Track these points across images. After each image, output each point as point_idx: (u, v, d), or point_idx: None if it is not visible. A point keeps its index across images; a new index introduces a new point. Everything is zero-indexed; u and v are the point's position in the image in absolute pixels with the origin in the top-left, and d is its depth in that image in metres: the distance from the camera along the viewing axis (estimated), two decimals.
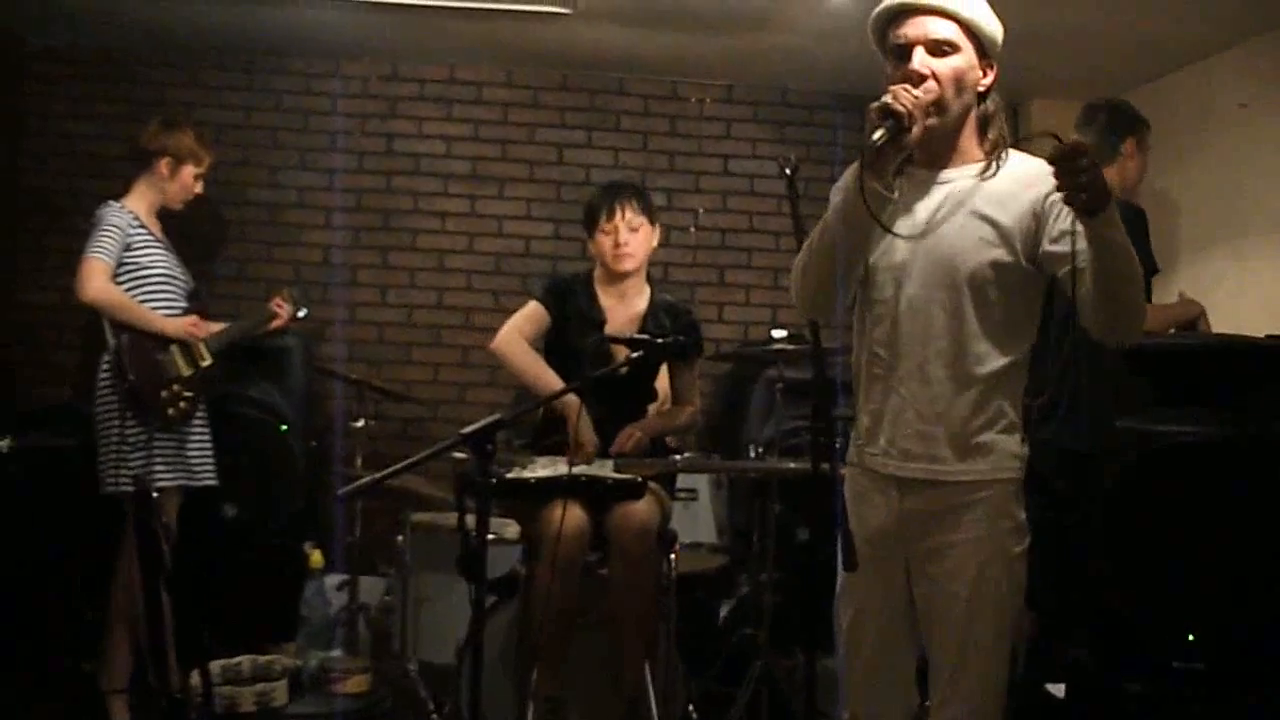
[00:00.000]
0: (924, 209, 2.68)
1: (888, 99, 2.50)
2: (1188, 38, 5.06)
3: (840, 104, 6.03)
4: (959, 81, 2.62)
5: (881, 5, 2.69)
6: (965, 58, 2.63)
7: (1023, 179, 2.64)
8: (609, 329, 4.10)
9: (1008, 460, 2.68)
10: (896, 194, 2.63)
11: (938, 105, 2.59)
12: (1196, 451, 3.32)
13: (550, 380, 4.02)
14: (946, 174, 2.70)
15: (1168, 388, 3.43)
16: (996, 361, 2.66)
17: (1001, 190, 2.64)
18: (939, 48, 2.61)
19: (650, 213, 4.18)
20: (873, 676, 2.79)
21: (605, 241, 4.13)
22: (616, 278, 4.18)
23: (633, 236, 4.12)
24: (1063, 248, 2.52)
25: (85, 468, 4.48)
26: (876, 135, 2.47)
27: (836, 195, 2.73)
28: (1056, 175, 2.29)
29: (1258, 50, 4.96)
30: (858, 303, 2.80)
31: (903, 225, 2.68)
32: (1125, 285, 2.45)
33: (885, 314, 2.70)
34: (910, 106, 2.51)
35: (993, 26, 2.67)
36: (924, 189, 2.70)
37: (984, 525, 2.65)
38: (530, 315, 4.17)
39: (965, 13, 2.63)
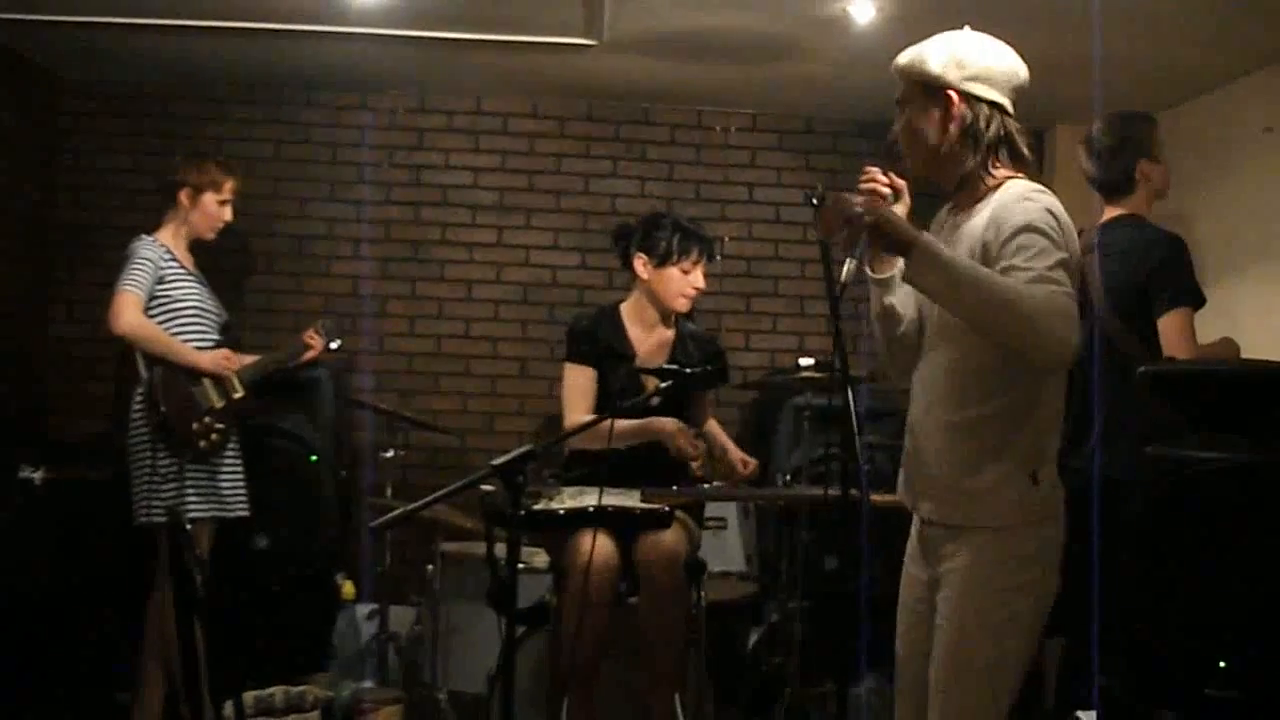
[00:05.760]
0: None
1: (852, 208, 2.57)
2: (1212, 63, 5.06)
3: (865, 131, 6.05)
4: (911, 134, 2.74)
5: None
6: (912, 107, 2.73)
7: (996, 209, 2.64)
8: (639, 361, 4.11)
9: (1003, 505, 2.66)
10: (896, 271, 2.72)
11: (906, 162, 2.76)
12: (1226, 477, 3.30)
13: (629, 424, 3.95)
14: (958, 218, 2.75)
15: (1196, 414, 3.42)
16: (990, 403, 2.65)
17: (981, 224, 2.65)
18: (899, 108, 2.77)
19: None
20: (905, 689, 2.85)
21: (679, 279, 4.11)
22: (652, 310, 4.18)
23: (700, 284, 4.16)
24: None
25: (118, 499, 4.51)
26: (845, 270, 2.66)
27: None
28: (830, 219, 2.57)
29: None
30: None
31: None
32: (981, 318, 2.49)
33: (916, 362, 2.82)
34: (876, 189, 2.69)
35: (923, 62, 2.70)
36: (942, 235, 2.74)
37: (973, 554, 2.66)
38: (579, 386, 4.10)
39: (901, 62, 2.75)
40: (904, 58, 2.74)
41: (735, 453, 4.12)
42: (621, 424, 3.94)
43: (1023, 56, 2.77)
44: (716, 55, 5.29)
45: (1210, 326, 4.04)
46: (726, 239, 6.17)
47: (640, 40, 5.11)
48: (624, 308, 4.23)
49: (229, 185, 4.76)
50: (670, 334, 4.22)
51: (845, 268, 2.65)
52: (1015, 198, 2.62)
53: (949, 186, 2.76)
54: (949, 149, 2.71)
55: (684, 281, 4.11)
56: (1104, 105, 4.22)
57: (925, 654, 2.75)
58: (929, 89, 2.70)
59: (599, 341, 4.13)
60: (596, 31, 4.99)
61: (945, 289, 2.49)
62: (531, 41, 5.16)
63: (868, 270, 2.77)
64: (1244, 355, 4.30)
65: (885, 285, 2.78)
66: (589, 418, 3.87)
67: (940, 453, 2.71)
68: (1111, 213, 4.05)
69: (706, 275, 4.18)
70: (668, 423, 3.96)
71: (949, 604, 2.69)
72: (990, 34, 2.76)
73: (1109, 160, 4.02)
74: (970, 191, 2.73)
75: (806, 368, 4.58)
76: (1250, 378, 3.56)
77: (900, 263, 2.63)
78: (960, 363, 2.67)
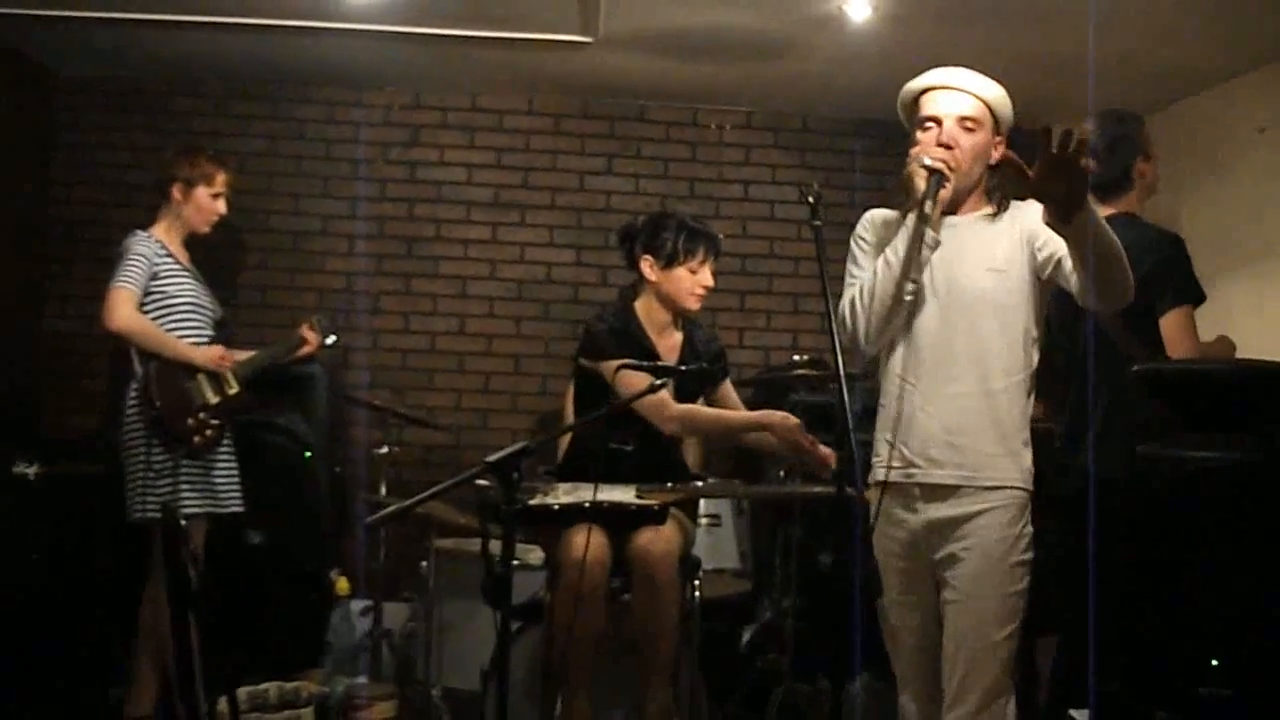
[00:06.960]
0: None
1: (927, 160, 2.91)
2: (1206, 62, 5.07)
3: (860, 129, 6.05)
4: (976, 153, 3.02)
5: (916, 80, 3.08)
6: (984, 134, 3.03)
7: (1015, 214, 3.07)
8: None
9: (1018, 472, 3.00)
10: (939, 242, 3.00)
11: (957, 170, 2.98)
12: (1221, 476, 3.31)
13: (743, 415, 4.05)
14: (953, 220, 3.06)
15: (1191, 413, 3.43)
16: (1020, 374, 3.01)
17: (1001, 224, 3.06)
18: (964, 122, 3.01)
19: None
20: (917, 674, 3.07)
21: (688, 279, 4.05)
22: (663, 312, 4.11)
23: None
24: (1048, 251, 2.95)
25: (112, 495, 4.51)
26: (936, 190, 2.90)
27: (865, 246, 3.14)
28: (1049, 172, 2.64)
29: (1276, 74, 4.96)
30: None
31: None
32: (1110, 264, 2.81)
33: (907, 343, 3.03)
34: (945, 161, 2.93)
35: (1009, 108, 3.07)
36: (956, 232, 3.05)
37: (990, 532, 2.93)
38: (640, 378, 3.83)
39: (987, 94, 3.03)
40: (993, 90, 3.04)
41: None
42: (729, 416, 4.05)
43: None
44: (712, 53, 5.29)
45: (1205, 325, 4.04)
46: (721, 237, 6.15)
47: (636, 37, 5.11)
48: (638, 309, 4.13)
49: (221, 178, 4.75)
50: (679, 336, 4.17)
51: (926, 205, 2.92)
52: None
53: (967, 197, 3.07)
54: (987, 184, 3.10)
55: (693, 281, 4.07)
56: (1098, 105, 4.21)
57: (932, 639, 3.00)
58: (998, 129, 3.06)
59: (628, 343, 4.02)
60: (592, 29, 4.99)
61: (1092, 228, 2.74)
62: (527, 38, 5.16)
63: (928, 226, 2.95)
64: (1239, 354, 4.31)
65: (930, 247, 2.98)
66: (684, 405, 3.96)
67: (973, 420, 2.97)
68: (1105, 212, 4.05)
69: (715, 273, 4.15)
70: (786, 416, 3.83)
71: (968, 581, 2.92)
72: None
73: (1106, 159, 4.02)
74: (956, 206, 3.06)
75: (801, 365, 4.58)
76: (1244, 377, 3.57)
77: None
78: (991, 337, 2.98)
